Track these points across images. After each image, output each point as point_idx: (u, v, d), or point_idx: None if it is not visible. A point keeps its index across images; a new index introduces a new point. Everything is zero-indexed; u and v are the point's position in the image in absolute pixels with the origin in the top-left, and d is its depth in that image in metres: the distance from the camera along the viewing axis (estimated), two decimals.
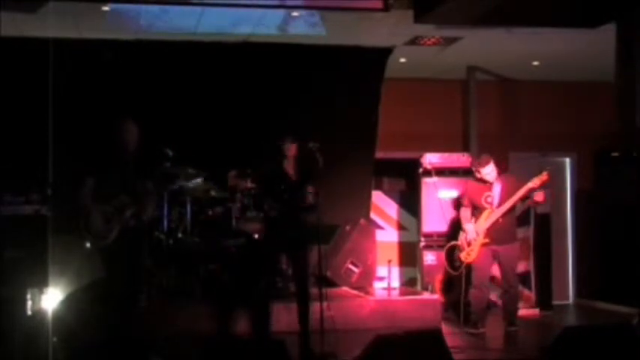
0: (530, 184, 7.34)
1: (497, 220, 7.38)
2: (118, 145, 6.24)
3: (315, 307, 6.59)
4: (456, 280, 8.04)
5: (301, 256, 6.69)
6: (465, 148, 10.21)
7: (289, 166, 6.73)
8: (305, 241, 6.71)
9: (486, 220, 7.41)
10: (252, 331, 6.85)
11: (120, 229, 6.13)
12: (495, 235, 7.40)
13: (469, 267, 7.63)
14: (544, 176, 7.34)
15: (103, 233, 6.09)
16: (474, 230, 7.48)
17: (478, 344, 7.19)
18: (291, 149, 6.69)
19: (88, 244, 6.14)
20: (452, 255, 7.82)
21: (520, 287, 9.68)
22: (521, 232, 9.73)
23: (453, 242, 7.83)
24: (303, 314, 6.61)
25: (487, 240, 7.42)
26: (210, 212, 8.09)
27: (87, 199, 6.10)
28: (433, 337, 4.82)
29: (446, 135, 10.23)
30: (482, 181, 7.51)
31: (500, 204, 7.40)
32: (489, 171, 7.47)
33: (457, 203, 8.48)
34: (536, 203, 7.54)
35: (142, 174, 6.46)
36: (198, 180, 8.01)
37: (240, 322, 7.20)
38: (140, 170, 6.43)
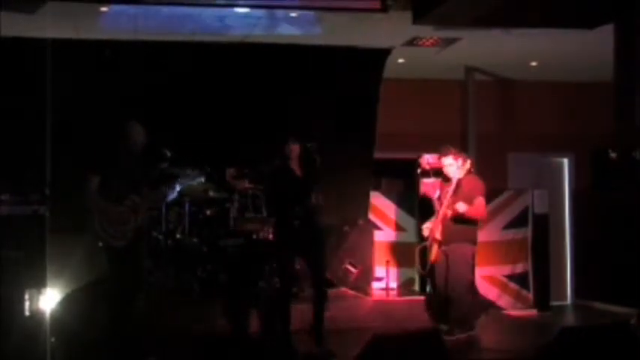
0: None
1: (445, 219, 7.09)
2: (125, 145, 6.26)
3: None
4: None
5: (318, 257, 6.69)
6: (463, 148, 10.19)
7: (295, 167, 6.72)
8: (320, 242, 6.72)
9: (438, 218, 7.18)
10: (270, 331, 6.78)
11: (134, 229, 6.18)
12: (444, 234, 7.11)
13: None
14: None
15: (120, 234, 6.12)
16: (427, 228, 7.28)
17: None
18: (294, 150, 6.69)
19: (100, 244, 6.16)
20: (422, 255, 7.71)
21: (518, 287, 9.73)
22: (518, 233, 9.79)
23: (424, 243, 7.73)
24: (319, 314, 6.61)
25: (440, 239, 7.15)
26: (208, 212, 8.09)
27: (95, 198, 6.12)
28: (431, 336, 4.83)
29: (444, 135, 10.21)
30: (447, 177, 7.36)
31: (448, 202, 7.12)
32: (449, 162, 7.20)
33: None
34: (455, 211, 7.02)
35: (146, 175, 6.50)
36: (201, 179, 8.03)
37: (239, 322, 7.19)
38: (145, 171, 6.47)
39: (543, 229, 9.99)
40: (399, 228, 9.75)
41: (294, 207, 6.60)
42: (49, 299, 6.47)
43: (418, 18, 7.44)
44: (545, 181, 10.59)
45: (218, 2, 7.49)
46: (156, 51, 8.72)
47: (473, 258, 7.32)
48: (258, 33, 8.43)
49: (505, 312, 9.41)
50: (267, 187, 7.18)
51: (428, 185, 7.63)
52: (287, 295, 6.76)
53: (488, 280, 9.41)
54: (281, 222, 6.83)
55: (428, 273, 7.46)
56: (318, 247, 6.68)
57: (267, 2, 7.42)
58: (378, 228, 9.58)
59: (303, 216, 6.58)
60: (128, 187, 6.23)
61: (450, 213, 7.03)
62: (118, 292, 6.15)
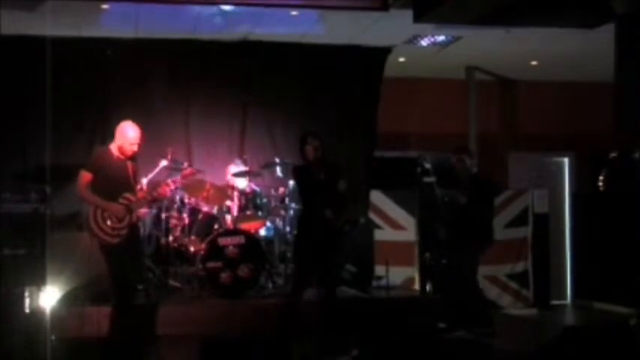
0: None
1: None
2: (123, 143, 6.27)
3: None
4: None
5: (331, 257, 6.67)
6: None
7: (314, 165, 6.63)
8: (335, 241, 6.71)
9: None
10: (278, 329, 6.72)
11: (129, 226, 6.19)
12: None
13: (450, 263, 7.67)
14: None
15: (116, 231, 6.13)
16: None
17: None
18: (313, 148, 6.61)
19: (96, 242, 6.17)
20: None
21: (518, 286, 9.75)
22: (519, 232, 9.79)
23: None
24: (327, 313, 6.60)
25: None
26: (206, 210, 8.08)
27: (89, 194, 6.12)
28: (432, 336, 4.84)
29: (444, 135, 10.22)
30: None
31: None
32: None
33: None
34: None
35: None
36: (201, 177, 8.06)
37: (238, 321, 7.19)
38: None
39: (543, 228, 10.00)
40: (399, 227, 9.74)
41: (312, 204, 6.59)
42: (49, 297, 6.48)
43: (419, 17, 7.44)
44: (546, 181, 10.60)
45: (220, 0, 7.49)
46: (157, 48, 8.73)
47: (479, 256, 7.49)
48: (259, 31, 8.43)
49: (505, 311, 9.42)
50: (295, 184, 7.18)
51: None
52: (299, 293, 6.74)
53: (489, 279, 9.41)
54: (301, 219, 6.84)
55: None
56: (332, 246, 6.66)
57: (268, 1, 7.41)
58: (378, 227, 9.57)
59: (321, 214, 6.56)
60: (122, 185, 6.23)
61: None
62: (115, 290, 6.15)
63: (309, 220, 6.65)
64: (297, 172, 6.85)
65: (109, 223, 6.12)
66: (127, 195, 6.22)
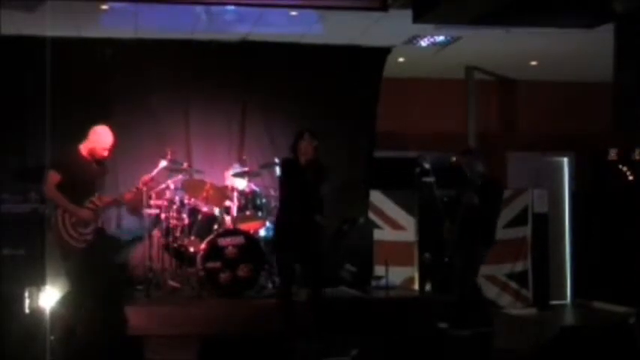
0: None
1: None
2: (95, 146, 6.30)
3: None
4: None
5: (315, 256, 6.65)
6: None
7: (304, 163, 6.59)
8: (318, 240, 6.69)
9: None
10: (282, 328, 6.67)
11: (94, 232, 6.20)
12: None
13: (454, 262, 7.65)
14: None
15: (83, 237, 6.14)
16: None
17: None
18: (307, 146, 6.55)
19: (63, 248, 6.16)
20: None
21: (517, 286, 9.75)
22: (518, 232, 9.79)
23: None
24: (316, 314, 6.59)
25: None
26: (206, 210, 8.09)
27: (57, 194, 6.11)
28: (432, 336, 4.84)
29: (444, 135, 10.23)
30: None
31: None
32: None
33: None
34: None
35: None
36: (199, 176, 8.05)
37: (238, 321, 7.20)
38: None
39: (543, 228, 10.01)
40: (398, 227, 9.75)
41: (297, 203, 6.56)
42: (48, 297, 6.48)
43: (418, 17, 7.44)
44: (545, 181, 10.60)
45: (219, 0, 7.49)
46: (157, 49, 8.73)
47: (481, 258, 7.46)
48: (259, 31, 8.43)
49: (505, 311, 9.42)
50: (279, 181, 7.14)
51: None
52: (287, 293, 6.73)
53: (488, 278, 9.41)
54: (282, 218, 6.80)
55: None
56: (316, 245, 6.64)
57: (267, 1, 7.41)
58: (378, 227, 9.57)
59: (303, 213, 6.55)
60: (87, 188, 6.25)
61: None
62: (82, 295, 6.16)
63: (287, 218, 6.62)
64: (285, 165, 6.77)
65: (78, 229, 6.11)
66: (93, 199, 6.24)
